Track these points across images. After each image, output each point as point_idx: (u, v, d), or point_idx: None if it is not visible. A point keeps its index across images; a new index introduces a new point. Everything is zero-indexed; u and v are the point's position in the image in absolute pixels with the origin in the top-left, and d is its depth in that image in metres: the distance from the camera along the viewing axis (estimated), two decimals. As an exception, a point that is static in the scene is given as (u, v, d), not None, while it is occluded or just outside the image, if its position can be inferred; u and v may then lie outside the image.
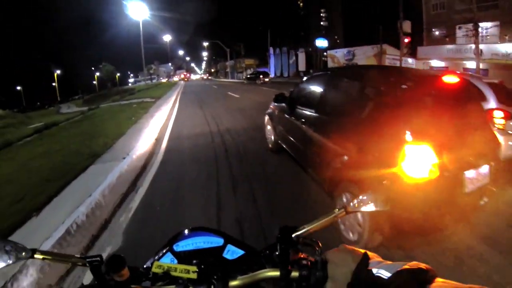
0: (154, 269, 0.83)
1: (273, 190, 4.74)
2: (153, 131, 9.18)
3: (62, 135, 10.71)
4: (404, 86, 3.03)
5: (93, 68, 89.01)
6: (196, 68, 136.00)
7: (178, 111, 14.93)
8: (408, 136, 2.69)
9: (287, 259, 0.85)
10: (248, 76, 47.48)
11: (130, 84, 74.46)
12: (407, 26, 23.60)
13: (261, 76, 40.77)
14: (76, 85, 71.86)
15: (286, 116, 5.31)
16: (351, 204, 0.93)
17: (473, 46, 19.97)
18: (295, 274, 0.83)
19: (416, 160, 2.60)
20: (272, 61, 55.74)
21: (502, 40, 21.74)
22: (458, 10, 24.60)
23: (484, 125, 3.41)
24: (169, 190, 5.00)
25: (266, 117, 6.75)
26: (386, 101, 3.07)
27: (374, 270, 0.75)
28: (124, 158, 5.87)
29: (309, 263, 0.85)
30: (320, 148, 3.85)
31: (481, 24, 20.20)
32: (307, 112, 4.50)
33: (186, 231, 1.00)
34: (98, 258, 0.81)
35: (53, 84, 67.90)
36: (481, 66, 19.84)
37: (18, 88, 73.56)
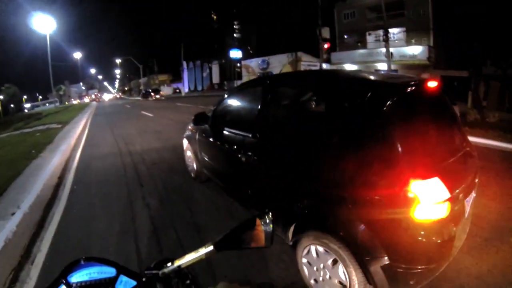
0: None
1: (205, 238, 3.61)
2: (56, 168, 7.31)
3: None
4: (389, 96, 2.16)
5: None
6: (109, 87, 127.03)
7: (87, 138, 12.90)
8: (410, 167, 1.95)
9: None
10: (142, 93, 49.78)
11: (26, 110, 65.43)
12: (326, 32, 24.52)
13: (152, 94, 44.12)
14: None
15: (211, 140, 4.29)
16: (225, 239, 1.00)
17: (383, 50, 21.38)
18: None
19: (427, 199, 1.89)
20: (185, 75, 54.58)
21: (408, 43, 24.43)
22: (368, 19, 27.52)
23: (463, 134, 2.81)
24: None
25: (185, 142, 5.59)
26: (367, 118, 2.17)
27: None
28: (13, 214, 4.19)
29: None
30: (271, 185, 2.92)
31: (390, 30, 21.69)
32: (240, 136, 3.45)
33: (80, 261, 0.95)
34: None
35: None
36: (392, 67, 21.43)
37: None
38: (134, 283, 0.95)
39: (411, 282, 1.99)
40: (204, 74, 50.78)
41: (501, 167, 5.39)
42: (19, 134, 16.83)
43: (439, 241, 1.94)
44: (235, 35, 48.71)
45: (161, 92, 46.55)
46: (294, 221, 2.53)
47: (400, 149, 1.95)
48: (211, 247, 0.99)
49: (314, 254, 2.39)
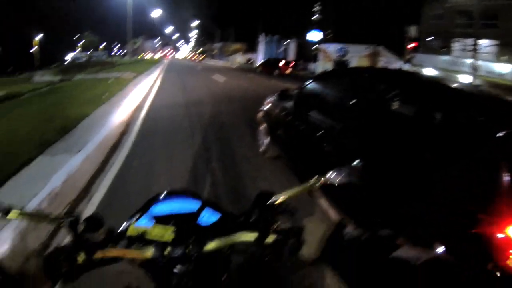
0: (129, 232, 0.87)
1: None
2: (124, 115, 7.98)
3: (16, 111, 9.21)
4: None
5: (74, 38, 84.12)
6: (182, 47, 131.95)
7: (158, 91, 13.75)
8: None
9: (263, 224, 0.89)
10: (263, 62, 36.38)
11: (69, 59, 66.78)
12: (414, 31, 23.20)
13: (281, 64, 30.83)
14: (56, 53, 66.97)
15: (294, 119, 4.23)
16: (328, 176, 1.01)
17: (468, 61, 19.71)
18: (270, 239, 0.86)
19: None
20: (261, 47, 54.50)
21: (498, 59, 22.10)
22: (457, 24, 25.33)
23: None
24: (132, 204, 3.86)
25: (261, 114, 5.57)
26: (487, 142, 1.93)
27: (348, 236, 0.74)
28: (79, 151, 4.71)
29: (284, 229, 0.88)
30: None
31: (480, 41, 20.39)
32: (328, 123, 3.35)
33: (163, 194, 0.97)
34: (75, 217, 0.82)
35: (33, 49, 63.07)
36: (475, 81, 20.02)
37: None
38: (218, 215, 0.95)
39: None
40: (280, 50, 50.29)
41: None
42: (92, 79, 18.16)
43: None
44: (315, 17, 47.48)
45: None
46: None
47: (506, 183, 1.68)
48: (315, 182, 1.01)
49: None
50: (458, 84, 3.03)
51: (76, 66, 39.54)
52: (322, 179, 1.01)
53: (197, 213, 0.93)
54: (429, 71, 25.43)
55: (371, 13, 37.02)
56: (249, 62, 54.88)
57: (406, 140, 2.45)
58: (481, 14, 19.19)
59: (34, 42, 61.30)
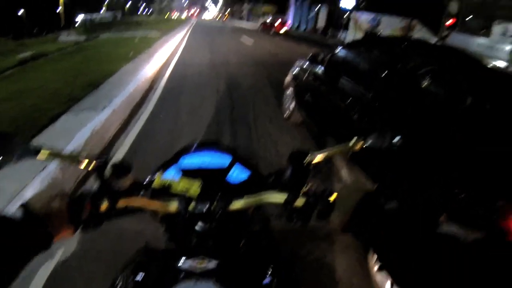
0: (155, 183, 0.83)
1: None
2: (149, 74, 8.12)
3: (45, 69, 9.47)
4: None
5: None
6: (211, 7, 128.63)
7: (183, 51, 13.68)
8: None
9: (295, 184, 0.85)
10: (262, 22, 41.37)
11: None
12: (454, 6, 21.75)
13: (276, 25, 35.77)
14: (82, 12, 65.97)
15: (324, 84, 4.04)
16: (368, 139, 0.94)
17: (507, 47, 18.75)
18: (301, 201, 0.82)
19: None
20: (291, 11, 52.70)
21: None
22: (502, 5, 23.64)
23: None
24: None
25: (288, 78, 5.29)
26: None
27: (387, 206, 0.68)
28: (104, 108, 4.92)
29: (316, 192, 0.83)
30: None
31: None
32: (359, 91, 3.24)
33: (193, 146, 0.96)
34: (104, 161, 0.79)
35: (59, 9, 62.41)
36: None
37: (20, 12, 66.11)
38: (248, 172, 0.92)
39: None
40: (311, 15, 48.65)
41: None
42: (118, 37, 18.20)
43: None
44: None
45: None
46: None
47: None
48: (357, 142, 0.95)
49: None
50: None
51: (101, 24, 39.47)
52: (361, 142, 0.95)
53: (227, 169, 0.91)
54: None
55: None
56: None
57: (435, 120, 2.32)
58: None
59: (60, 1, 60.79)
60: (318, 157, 0.90)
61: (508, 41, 20.54)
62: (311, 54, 4.72)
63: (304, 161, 0.88)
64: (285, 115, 5.41)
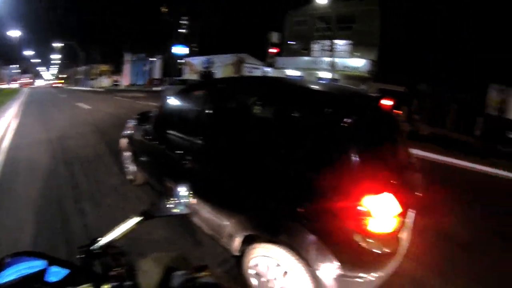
0: None
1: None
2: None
3: None
4: (351, 113, 2.20)
5: None
6: (45, 73, 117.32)
7: (17, 129, 11.30)
8: (364, 182, 2.00)
9: (95, 273, 0.92)
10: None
11: None
12: (275, 37, 24.70)
13: None
14: None
15: (154, 141, 4.01)
16: (152, 209, 1.10)
17: (326, 59, 22.01)
18: (106, 287, 0.87)
19: (380, 213, 1.96)
20: (127, 67, 51.91)
21: (352, 56, 25.44)
22: (317, 28, 28.12)
23: (408, 149, 3.10)
24: None
25: (123, 140, 5.18)
26: (325, 133, 2.23)
27: (177, 278, 0.89)
28: None
29: (119, 274, 0.90)
30: (218, 194, 2.84)
31: (336, 41, 23.32)
32: (187, 140, 3.29)
33: (7, 259, 0.95)
34: None
35: None
36: (334, 76, 22.71)
37: None
38: (67, 271, 0.92)
39: None
40: (146, 68, 48.51)
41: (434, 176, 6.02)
42: None
43: (388, 251, 2.05)
44: (181, 30, 46.92)
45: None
46: (244, 232, 2.46)
47: (354, 164, 2.01)
48: (139, 217, 1.06)
49: (263, 266, 2.35)
50: (313, 81, 3.34)
51: None
52: (145, 214, 1.07)
53: (44, 271, 0.90)
54: (291, 72, 28.06)
55: (236, 24, 38.28)
56: (116, 84, 51.92)
57: (267, 141, 2.56)
58: (338, 19, 22.10)
59: None
60: (105, 240, 0.98)
61: (325, 55, 24.38)
62: (138, 113, 4.84)
63: (92, 248, 0.96)
64: (128, 178, 5.14)
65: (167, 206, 1.09)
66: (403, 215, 2.10)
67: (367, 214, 1.92)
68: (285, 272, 2.22)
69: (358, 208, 1.93)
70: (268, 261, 2.29)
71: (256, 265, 2.39)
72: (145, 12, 53.67)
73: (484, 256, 3.56)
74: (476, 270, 3.26)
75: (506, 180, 7.24)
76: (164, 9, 53.52)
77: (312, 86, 2.75)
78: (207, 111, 3.14)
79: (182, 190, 1.16)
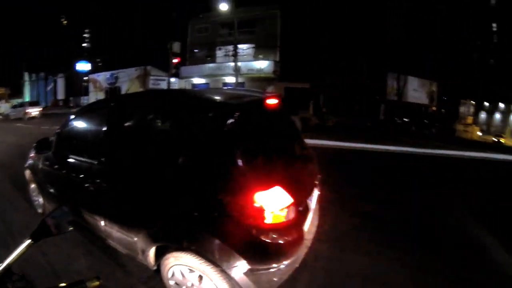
0: None
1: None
2: None
3: None
4: (229, 115, 2.29)
5: None
6: None
7: None
8: (253, 180, 2.13)
9: None
10: None
11: None
12: (177, 46, 24.69)
13: None
14: None
15: (55, 169, 3.87)
16: (38, 230, 1.11)
17: (231, 64, 22.38)
18: None
19: (272, 206, 2.10)
20: (27, 89, 47.46)
21: (256, 58, 26.20)
22: (220, 34, 28.42)
23: (302, 141, 3.29)
24: None
25: (28, 172, 4.91)
26: (210, 137, 2.31)
27: None
28: None
29: None
30: (123, 212, 2.82)
31: (240, 46, 23.16)
32: (86, 163, 3.22)
33: None
34: None
35: None
36: (239, 80, 22.54)
37: None
38: None
39: (275, 279, 2.20)
40: (48, 88, 44.75)
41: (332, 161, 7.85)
42: None
43: (290, 239, 2.17)
44: (84, 45, 44.07)
45: None
46: (153, 245, 2.49)
47: (242, 164, 2.11)
48: (28, 240, 1.05)
49: (179, 275, 2.41)
50: (202, 89, 3.92)
51: None
52: (33, 236, 1.07)
53: None
54: (197, 80, 28.11)
55: (137, 35, 37.00)
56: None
57: (163, 154, 2.57)
58: (240, 24, 21.86)
59: None
60: (3, 266, 0.98)
61: (230, 60, 24.23)
62: (36, 142, 4.60)
63: None
64: (39, 211, 4.78)
65: (52, 225, 1.11)
66: (298, 203, 2.26)
67: (261, 209, 2.05)
68: (200, 277, 2.28)
69: (252, 204, 2.04)
70: (182, 268, 2.35)
71: (173, 275, 2.44)
72: (45, 25, 49.49)
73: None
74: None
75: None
76: (64, 21, 49.91)
77: (196, 95, 2.94)
78: (103, 130, 3.09)
79: (63, 209, 1.22)
